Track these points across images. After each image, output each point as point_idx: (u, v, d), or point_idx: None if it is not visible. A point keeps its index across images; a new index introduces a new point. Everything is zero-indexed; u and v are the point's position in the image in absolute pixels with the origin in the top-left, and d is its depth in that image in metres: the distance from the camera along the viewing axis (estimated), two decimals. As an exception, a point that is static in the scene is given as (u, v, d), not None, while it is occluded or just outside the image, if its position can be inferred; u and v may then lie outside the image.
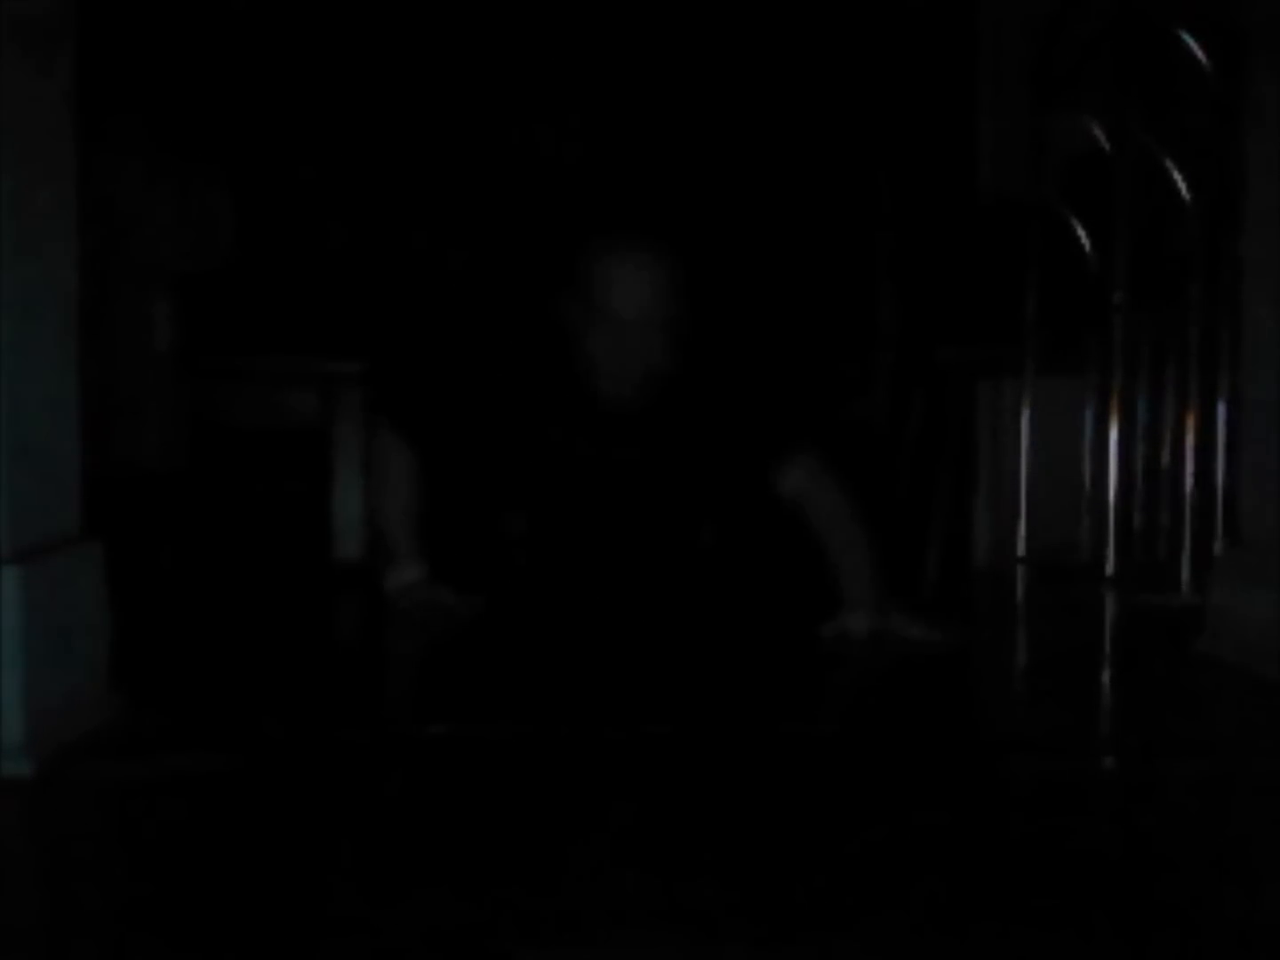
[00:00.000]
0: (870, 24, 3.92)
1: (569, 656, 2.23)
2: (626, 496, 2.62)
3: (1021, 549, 3.28)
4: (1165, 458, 2.98)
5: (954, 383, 3.46)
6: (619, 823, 1.44)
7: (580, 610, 2.50)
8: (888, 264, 3.95)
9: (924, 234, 3.74)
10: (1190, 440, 2.84)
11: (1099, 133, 3.05)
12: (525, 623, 2.45)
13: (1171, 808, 1.52)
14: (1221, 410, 2.72)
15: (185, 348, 3.36)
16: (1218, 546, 2.61)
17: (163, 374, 3.30)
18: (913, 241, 3.80)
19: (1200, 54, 2.72)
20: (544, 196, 3.91)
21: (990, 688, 2.22)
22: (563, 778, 1.58)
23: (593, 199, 3.85)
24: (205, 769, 1.58)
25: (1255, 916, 1.21)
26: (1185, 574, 2.76)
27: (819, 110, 3.97)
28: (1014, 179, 3.45)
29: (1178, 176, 2.85)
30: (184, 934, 1.15)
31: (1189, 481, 2.82)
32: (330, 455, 3.39)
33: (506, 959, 1.11)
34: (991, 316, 3.34)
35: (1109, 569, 2.97)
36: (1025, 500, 3.27)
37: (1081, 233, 3.16)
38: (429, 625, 2.48)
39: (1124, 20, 3.00)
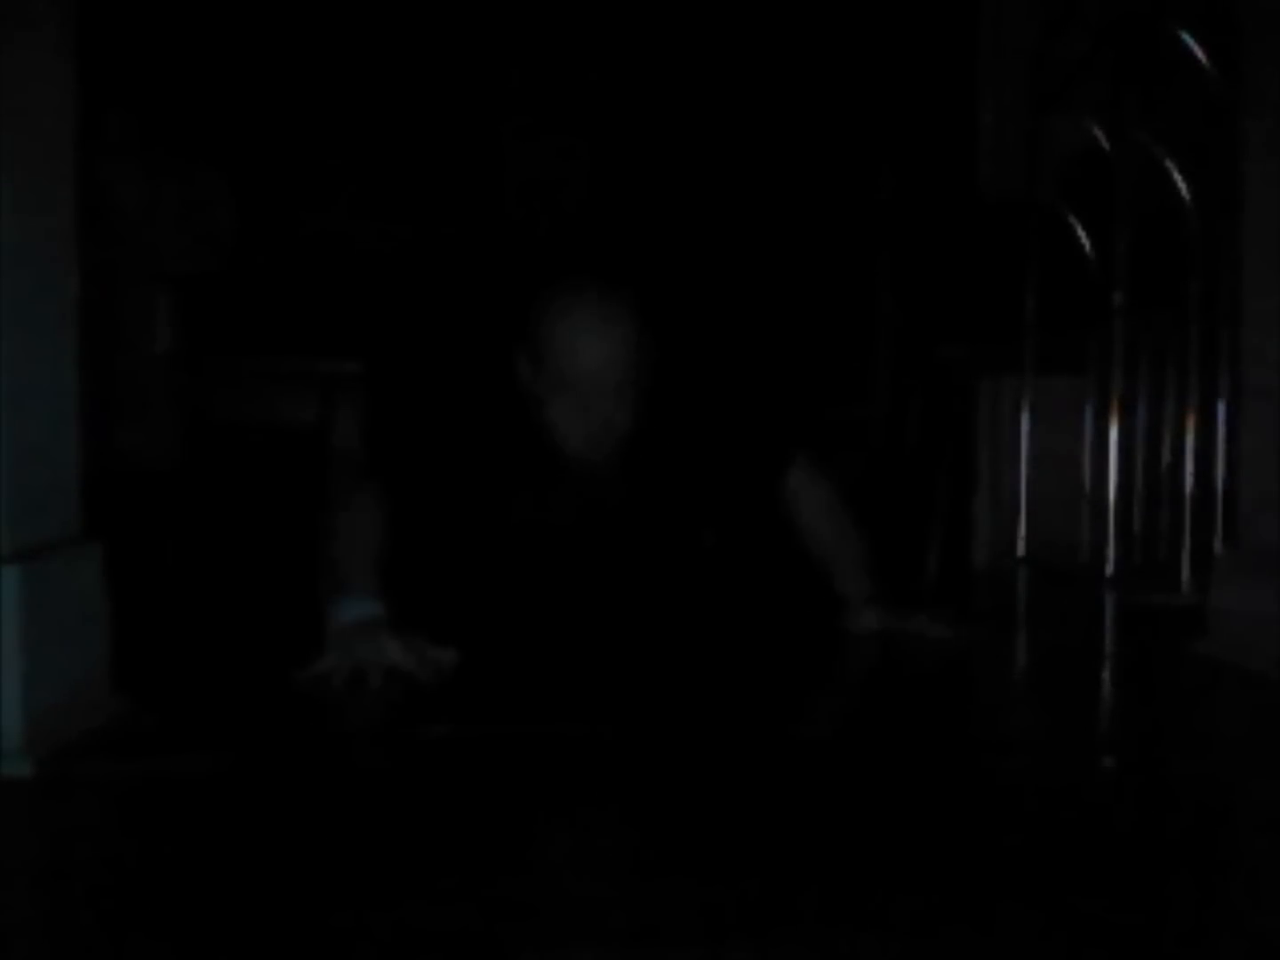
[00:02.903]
0: (871, 25, 3.93)
1: (571, 658, 2.23)
2: (616, 529, 2.44)
3: (1021, 549, 3.28)
4: (1165, 458, 2.98)
5: (954, 381, 3.47)
6: (621, 823, 1.44)
7: (581, 614, 2.46)
8: (888, 263, 3.96)
9: (924, 233, 3.75)
10: (1190, 441, 2.84)
11: (1099, 133, 3.06)
12: (526, 623, 2.44)
13: (1171, 808, 1.52)
14: (1221, 411, 2.72)
15: (185, 348, 3.37)
16: (1218, 546, 2.61)
17: (163, 374, 3.30)
18: (913, 240, 3.81)
19: (1199, 54, 2.72)
20: (499, 230, 3.89)
21: (990, 688, 2.22)
22: (566, 778, 1.58)
23: (546, 222, 3.83)
24: (204, 769, 1.58)
25: (1257, 916, 1.21)
26: (1185, 574, 2.76)
27: (820, 110, 3.98)
28: (1014, 179, 3.45)
29: (1178, 176, 2.85)
30: (182, 935, 1.15)
31: (1189, 482, 2.82)
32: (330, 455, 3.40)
33: None
34: (992, 315, 3.35)
35: (1109, 569, 2.97)
36: (1025, 500, 3.27)
37: (1081, 233, 3.16)
38: (369, 689, 1.92)
39: (1123, 20, 3.00)
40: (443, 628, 2.07)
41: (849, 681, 2.25)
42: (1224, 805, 1.55)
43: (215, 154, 3.56)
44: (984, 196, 3.65)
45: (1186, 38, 2.75)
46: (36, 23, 1.67)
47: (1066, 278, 3.17)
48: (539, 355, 2.25)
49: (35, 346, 1.66)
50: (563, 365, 2.21)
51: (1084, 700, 2.07)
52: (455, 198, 3.94)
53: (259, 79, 3.73)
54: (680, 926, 1.16)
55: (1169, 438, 2.97)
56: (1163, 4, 2.86)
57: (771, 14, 3.95)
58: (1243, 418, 2.42)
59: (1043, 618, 2.87)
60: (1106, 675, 2.29)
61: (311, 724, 1.85)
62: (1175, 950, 1.15)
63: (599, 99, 3.96)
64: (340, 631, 1.98)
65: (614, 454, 2.29)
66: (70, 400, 1.76)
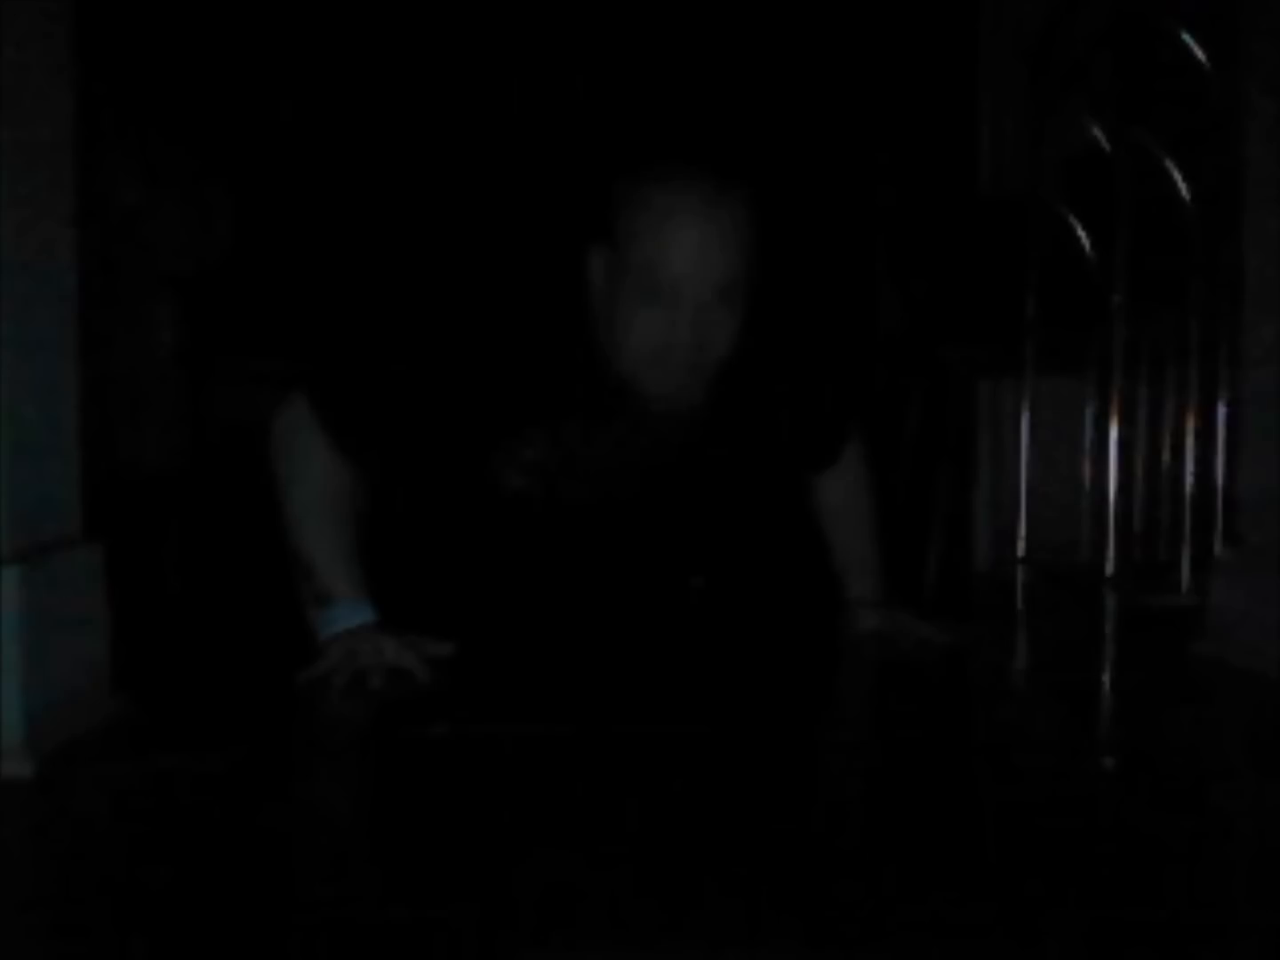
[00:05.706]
0: (871, 23, 3.93)
1: (571, 655, 2.22)
2: (626, 533, 2.16)
3: (1021, 549, 3.28)
4: (1165, 458, 2.99)
5: (954, 381, 3.47)
6: (625, 822, 1.44)
7: (572, 626, 2.37)
8: (888, 261, 3.96)
9: (925, 232, 3.75)
10: (1190, 440, 2.84)
11: (1099, 133, 3.06)
12: (524, 614, 2.41)
13: (1172, 808, 1.52)
14: (1221, 410, 2.72)
15: (186, 348, 3.36)
16: (1218, 546, 2.61)
17: (163, 374, 3.30)
18: (913, 239, 3.81)
19: (1200, 54, 2.72)
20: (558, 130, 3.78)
21: (990, 688, 2.21)
22: (566, 778, 1.58)
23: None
24: (204, 769, 1.58)
25: (1257, 917, 1.21)
26: (1185, 574, 2.76)
27: (820, 108, 3.97)
28: (1014, 179, 3.45)
29: (1178, 176, 2.85)
30: (183, 935, 1.15)
31: (1189, 481, 2.82)
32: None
33: None
34: (992, 315, 3.35)
35: (1109, 569, 2.97)
36: (1025, 500, 3.27)
37: (1081, 233, 3.16)
38: (372, 694, 1.90)
39: (1123, 20, 3.00)
40: (431, 617, 2.06)
41: (847, 685, 2.25)
42: (1224, 805, 1.55)
43: (215, 153, 3.56)
44: (984, 195, 3.65)
45: (1186, 38, 2.75)
46: (36, 22, 1.67)
47: (1066, 278, 3.17)
48: (620, 246, 1.82)
49: (35, 346, 1.66)
50: (655, 256, 1.77)
51: (1084, 700, 2.07)
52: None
53: (260, 77, 3.73)
54: (681, 927, 1.16)
55: (1169, 438, 2.97)
56: (1163, 4, 2.86)
57: (774, 10, 3.95)
58: (1243, 418, 2.42)
59: (1043, 618, 2.87)
60: (1107, 676, 2.29)
61: (311, 724, 1.85)
62: (1176, 948, 1.15)
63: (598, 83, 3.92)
64: (336, 638, 1.96)
65: (697, 392, 1.86)
66: (70, 400, 1.76)
